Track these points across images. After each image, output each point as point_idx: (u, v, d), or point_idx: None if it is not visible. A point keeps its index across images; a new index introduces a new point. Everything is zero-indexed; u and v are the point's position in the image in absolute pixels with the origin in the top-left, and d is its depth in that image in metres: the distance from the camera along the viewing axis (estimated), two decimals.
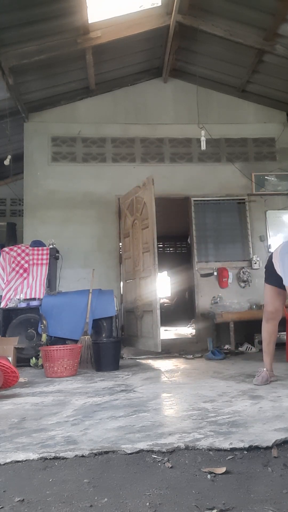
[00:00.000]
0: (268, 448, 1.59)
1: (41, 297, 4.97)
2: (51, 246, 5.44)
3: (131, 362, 4.62)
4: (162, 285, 12.39)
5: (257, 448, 1.59)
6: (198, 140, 5.50)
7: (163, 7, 5.24)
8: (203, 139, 5.28)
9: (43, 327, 4.54)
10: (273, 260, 3.04)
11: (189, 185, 6.40)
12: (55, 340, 4.54)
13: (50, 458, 1.56)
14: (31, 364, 4.32)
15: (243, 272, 6.20)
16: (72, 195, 6.24)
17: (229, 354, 5.00)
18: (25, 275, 5.23)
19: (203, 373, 3.59)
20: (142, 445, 1.63)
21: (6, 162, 5.59)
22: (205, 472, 1.41)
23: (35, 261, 5.27)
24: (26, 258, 5.29)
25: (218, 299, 5.88)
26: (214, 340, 5.52)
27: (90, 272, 5.18)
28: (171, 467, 1.46)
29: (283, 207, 6.49)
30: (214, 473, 1.39)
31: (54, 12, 4.57)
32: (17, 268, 5.25)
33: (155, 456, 1.55)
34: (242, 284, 6.17)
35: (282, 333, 5.09)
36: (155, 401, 2.52)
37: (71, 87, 6.21)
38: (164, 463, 1.49)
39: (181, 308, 11.08)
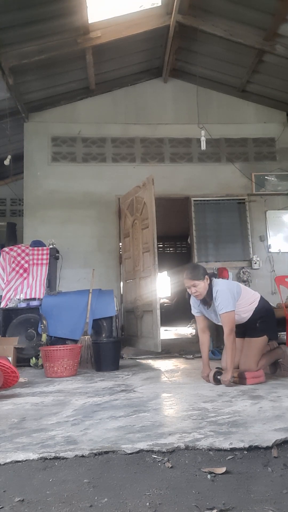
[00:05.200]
0: (268, 448, 1.59)
1: (41, 297, 4.96)
2: (51, 246, 5.44)
3: (131, 362, 4.61)
4: (162, 285, 12.38)
5: (257, 448, 1.59)
6: (198, 140, 5.51)
7: (163, 7, 5.25)
8: (203, 139, 5.28)
9: (43, 327, 4.54)
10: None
11: (189, 185, 6.40)
12: (55, 340, 4.54)
13: (50, 458, 1.56)
14: (31, 364, 4.32)
15: (243, 272, 6.20)
16: (72, 195, 6.25)
17: None
18: (25, 275, 5.23)
19: None
20: (142, 445, 1.63)
21: (6, 162, 5.59)
22: (205, 472, 1.40)
23: (35, 261, 5.26)
24: (26, 258, 5.29)
25: None
26: (214, 340, 5.51)
27: (90, 272, 5.18)
28: (171, 467, 1.46)
29: (283, 207, 6.49)
30: (214, 473, 1.39)
31: (54, 12, 4.58)
32: (17, 268, 5.25)
33: (155, 456, 1.55)
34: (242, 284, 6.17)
35: (282, 333, 5.09)
36: (155, 401, 2.51)
37: (71, 87, 6.22)
38: (164, 463, 1.49)
39: (181, 308, 11.06)
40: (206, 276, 3.04)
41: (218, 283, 3.07)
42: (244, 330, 3.14)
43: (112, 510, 1.17)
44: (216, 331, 5.71)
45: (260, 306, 3.12)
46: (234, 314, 2.97)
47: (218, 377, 2.90)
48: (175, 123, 6.59)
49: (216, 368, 3.01)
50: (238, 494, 1.25)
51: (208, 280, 3.05)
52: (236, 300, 3.01)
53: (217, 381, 2.89)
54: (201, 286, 3.02)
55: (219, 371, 2.94)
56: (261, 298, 3.18)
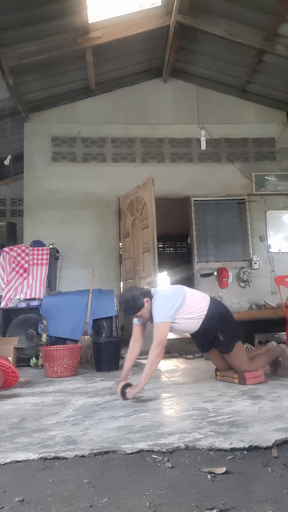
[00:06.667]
0: (268, 448, 1.59)
1: (41, 297, 4.96)
2: (51, 246, 5.44)
3: None
4: (162, 285, 12.37)
5: (257, 448, 1.59)
6: (198, 140, 5.51)
7: (163, 7, 5.25)
8: (203, 139, 5.28)
9: (43, 327, 4.53)
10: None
11: (189, 185, 6.40)
12: (55, 340, 4.53)
13: (50, 458, 1.56)
14: (31, 364, 4.32)
15: (243, 272, 6.20)
16: (72, 195, 6.25)
17: None
18: (25, 275, 5.23)
19: (203, 373, 3.58)
20: (142, 445, 1.63)
21: (6, 162, 5.59)
22: (205, 472, 1.40)
23: (35, 261, 5.26)
24: (26, 258, 5.29)
25: (218, 299, 5.87)
26: None
27: (90, 272, 5.19)
28: (171, 467, 1.46)
29: (283, 207, 6.49)
30: (214, 473, 1.39)
31: (54, 12, 4.58)
32: (17, 268, 5.25)
33: (155, 456, 1.55)
34: (242, 284, 6.18)
35: (282, 333, 5.09)
36: (155, 401, 2.51)
37: (71, 87, 6.22)
38: (164, 463, 1.49)
39: None
40: (146, 299, 2.78)
41: (157, 293, 2.82)
42: (207, 342, 2.97)
43: (112, 510, 1.17)
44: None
45: (210, 313, 2.85)
46: (168, 325, 2.72)
47: (126, 390, 2.57)
48: (175, 123, 6.59)
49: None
50: (238, 494, 1.25)
51: (149, 300, 2.79)
52: (176, 309, 2.76)
53: (124, 395, 2.59)
54: (145, 311, 2.79)
55: (128, 384, 2.63)
56: (212, 302, 2.92)
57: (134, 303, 2.77)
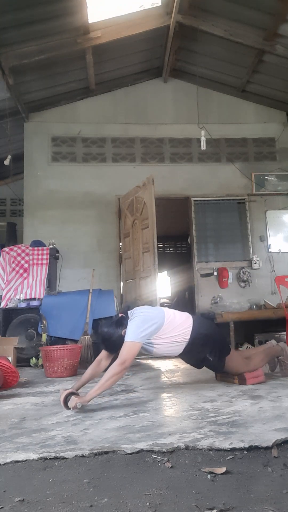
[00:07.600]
0: (268, 448, 1.58)
1: (41, 297, 4.97)
2: (51, 246, 5.44)
3: None
4: (162, 285, 12.38)
5: (257, 448, 1.58)
6: (198, 140, 5.51)
7: (163, 7, 5.25)
8: (203, 139, 5.28)
9: (43, 327, 4.53)
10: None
11: (189, 185, 6.41)
12: (55, 340, 4.54)
13: (50, 458, 1.56)
14: (31, 364, 4.32)
15: (243, 272, 6.20)
16: (72, 195, 6.25)
17: None
18: (25, 275, 5.23)
19: (203, 373, 3.57)
20: (142, 445, 1.63)
21: (6, 162, 5.59)
22: (205, 472, 1.40)
23: (35, 261, 5.27)
24: (26, 258, 5.29)
25: (218, 299, 5.88)
26: None
27: (90, 272, 5.19)
28: (171, 467, 1.46)
29: (283, 207, 6.50)
30: (214, 473, 1.39)
31: (54, 12, 4.58)
32: (17, 268, 5.25)
33: (155, 456, 1.55)
34: (242, 284, 6.18)
35: (282, 333, 5.09)
36: (155, 401, 2.51)
37: (71, 87, 6.22)
38: (164, 463, 1.49)
39: (181, 308, 11.02)
40: (124, 330, 2.57)
41: (135, 314, 2.68)
42: (196, 363, 2.93)
43: (112, 510, 1.17)
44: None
45: (193, 336, 2.72)
46: (137, 346, 2.53)
47: (69, 398, 2.36)
48: (175, 123, 6.59)
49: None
50: (238, 494, 1.25)
51: (125, 330, 2.59)
52: (151, 332, 2.61)
53: (66, 403, 2.35)
54: None
55: (74, 394, 2.42)
56: (194, 325, 2.76)
57: (118, 338, 2.58)
